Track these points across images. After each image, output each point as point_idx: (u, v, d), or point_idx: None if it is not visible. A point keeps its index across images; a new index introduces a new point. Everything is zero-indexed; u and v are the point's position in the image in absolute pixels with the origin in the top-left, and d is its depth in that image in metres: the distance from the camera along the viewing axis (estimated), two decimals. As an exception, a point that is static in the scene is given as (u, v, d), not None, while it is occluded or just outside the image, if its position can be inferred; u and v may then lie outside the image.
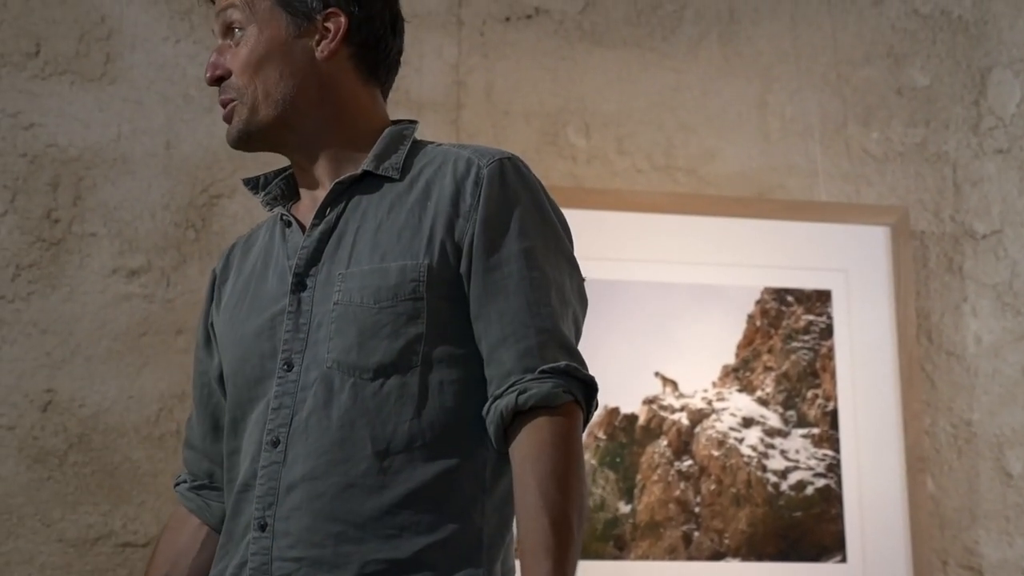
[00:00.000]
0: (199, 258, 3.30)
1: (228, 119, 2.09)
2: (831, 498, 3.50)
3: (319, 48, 2.07)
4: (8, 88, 3.29)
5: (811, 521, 3.49)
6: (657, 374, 3.46)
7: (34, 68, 3.30)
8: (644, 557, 3.39)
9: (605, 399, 3.41)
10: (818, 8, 3.73)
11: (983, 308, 3.68)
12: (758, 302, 3.56)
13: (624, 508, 3.40)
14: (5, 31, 3.30)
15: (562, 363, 1.95)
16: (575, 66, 3.59)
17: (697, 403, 3.47)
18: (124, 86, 3.34)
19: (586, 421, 1.98)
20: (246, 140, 2.09)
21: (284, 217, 2.10)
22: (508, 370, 1.94)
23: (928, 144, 3.74)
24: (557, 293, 2.00)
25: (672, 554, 3.41)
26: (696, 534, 3.42)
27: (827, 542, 3.49)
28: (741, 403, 3.51)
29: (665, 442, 3.43)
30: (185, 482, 2.26)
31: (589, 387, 1.98)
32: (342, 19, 2.07)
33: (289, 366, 1.98)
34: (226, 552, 2.02)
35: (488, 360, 1.96)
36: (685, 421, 3.46)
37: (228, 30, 2.09)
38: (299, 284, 2.02)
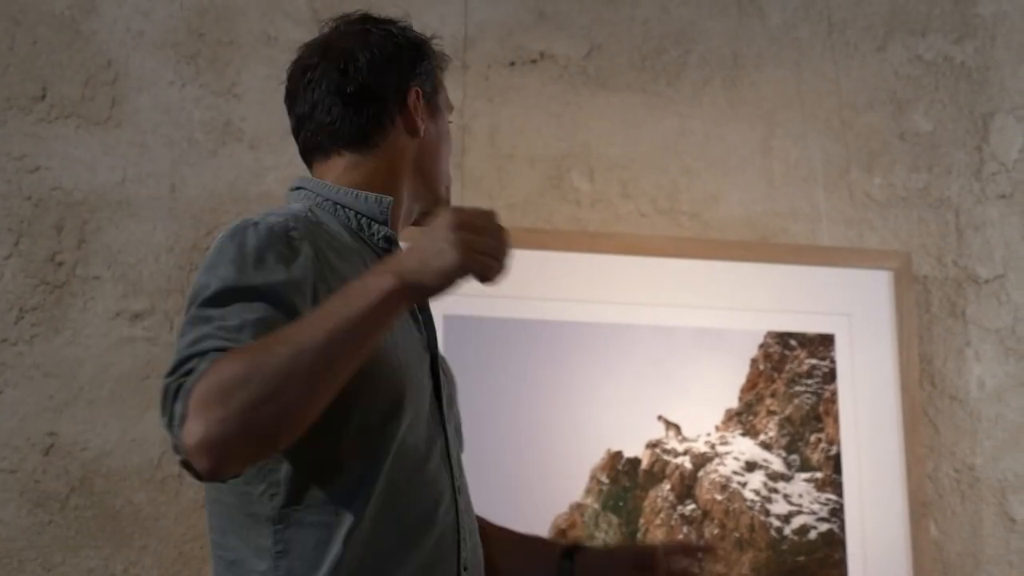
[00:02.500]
0: (203, 301, 3.30)
1: None
2: (834, 543, 3.50)
3: None
4: (14, 131, 3.30)
5: (814, 566, 3.48)
6: (660, 418, 3.45)
7: (40, 111, 3.32)
8: (647, 602, 3.38)
9: (608, 443, 3.41)
10: (822, 53, 3.74)
11: (986, 353, 3.69)
12: (761, 346, 3.56)
13: (627, 553, 3.39)
14: (12, 75, 3.32)
15: None
16: (579, 110, 3.60)
17: (700, 447, 3.47)
18: (129, 130, 3.35)
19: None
20: None
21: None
22: None
23: (931, 189, 3.75)
24: None
25: (675, 599, 3.40)
26: (699, 579, 3.41)
27: (830, 587, 3.48)
28: (744, 447, 3.50)
29: (668, 486, 3.43)
30: None
31: None
32: None
33: (445, 426, 2.18)
34: None
35: None
36: (688, 465, 3.46)
37: None
38: (433, 355, 2.21)
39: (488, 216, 1.87)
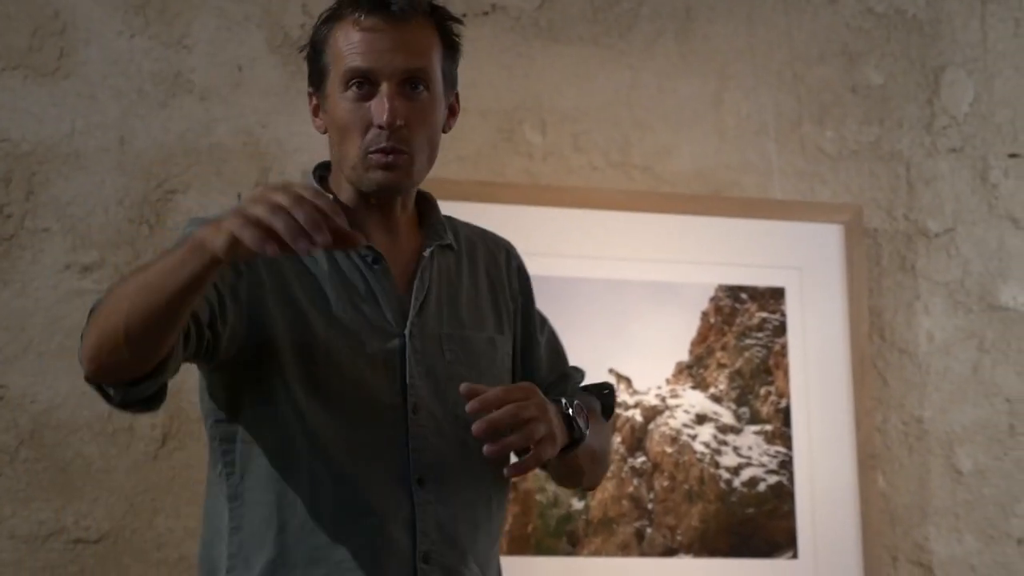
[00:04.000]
0: (153, 254, 3.29)
1: (393, 166, 2.14)
2: (783, 494, 3.52)
3: (447, 123, 2.25)
4: (-39, 82, 3.28)
5: (763, 517, 3.51)
6: (611, 371, 3.47)
7: (-13, 62, 3.29)
8: (597, 553, 3.40)
9: (559, 395, 3.42)
10: (774, 6, 3.74)
11: (935, 306, 3.71)
12: (712, 299, 3.58)
13: (577, 504, 3.41)
14: (-42, 24, 3.29)
15: None
16: (532, 63, 3.59)
17: (651, 400, 3.49)
18: (78, 81, 3.32)
19: None
20: (400, 191, 2.19)
21: (369, 249, 2.17)
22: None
23: (882, 143, 3.76)
24: None
25: (625, 550, 3.42)
26: (649, 530, 3.44)
27: (779, 538, 3.51)
28: (694, 400, 3.52)
29: (619, 439, 3.44)
30: None
31: None
32: (458, 102, 2.28)
33: (416, 410, 2.12)
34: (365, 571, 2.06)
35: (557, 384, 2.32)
36: (639, 418, 3.47)
37: (411, 81, 2.14)
38: (411, 333, 2.15)
39: (277, 189, 1.81)
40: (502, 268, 2.31)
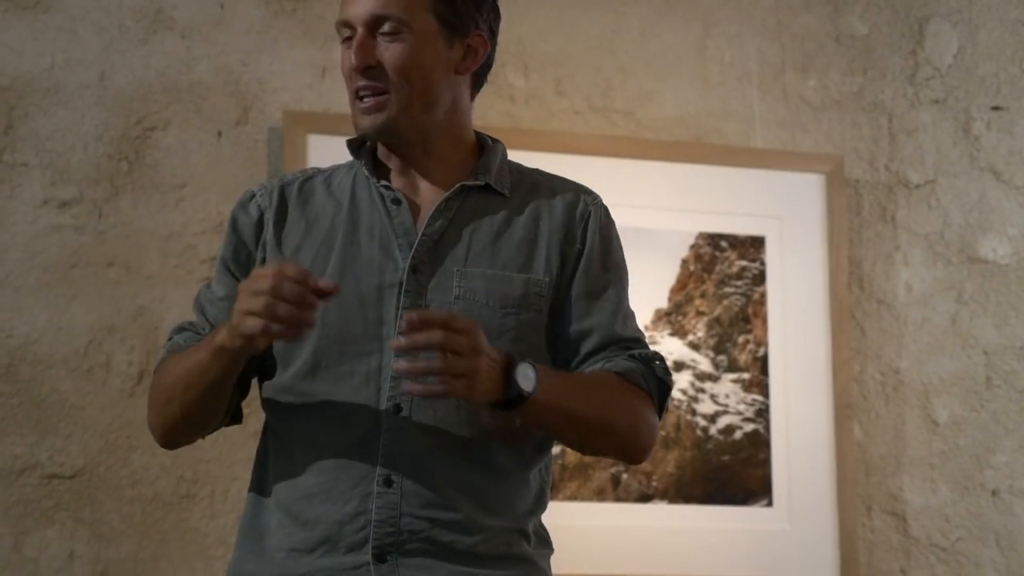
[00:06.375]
0: (131, 190, 3.28)
1: (373, 109, 2.19)
2: (759, 443, 3.53)
3: (462, 64, 2.24)
4: (-60, 14, 3.25)
5: (738, 465, 3.52)
6: (590, 316, 3.46)
7: (-33, -6, 3.27)
8: (572, 498, 3.41)
9: (537, 340, 3.42)
10: (759, -46, 3.73)
11: (914, 257, 3.71)
12: (692, 247, 3.58)
13: (553, 449, 3.41)
14: (-62, -44, 3.26)
15: None
16: (515, 5, 3.57)
17: (629, 346, 3.48)
18: (59, 15, 3.30)
19: None
20: (388, 132, 2.21)
21: (389, 190, 2.22)
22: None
23: (865, 93, 3.75)
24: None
25: (600, 496, 3.43)
26: (624, 476, 3.44)
27: (754, 486, 3.52)
28: (673, 347, 3.52)
29: (596, 384, 3.44)
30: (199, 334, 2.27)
31: None
32: (486, 45, 2.26)
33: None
34: (324, 496, 2.12)
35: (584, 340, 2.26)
36: (616, 363, 3.47)
37: (378, 23, 2.18)
38: (415, 267, 2.17)
39: (257, 278, 2.00)
40: (564, 213, 2.29)
